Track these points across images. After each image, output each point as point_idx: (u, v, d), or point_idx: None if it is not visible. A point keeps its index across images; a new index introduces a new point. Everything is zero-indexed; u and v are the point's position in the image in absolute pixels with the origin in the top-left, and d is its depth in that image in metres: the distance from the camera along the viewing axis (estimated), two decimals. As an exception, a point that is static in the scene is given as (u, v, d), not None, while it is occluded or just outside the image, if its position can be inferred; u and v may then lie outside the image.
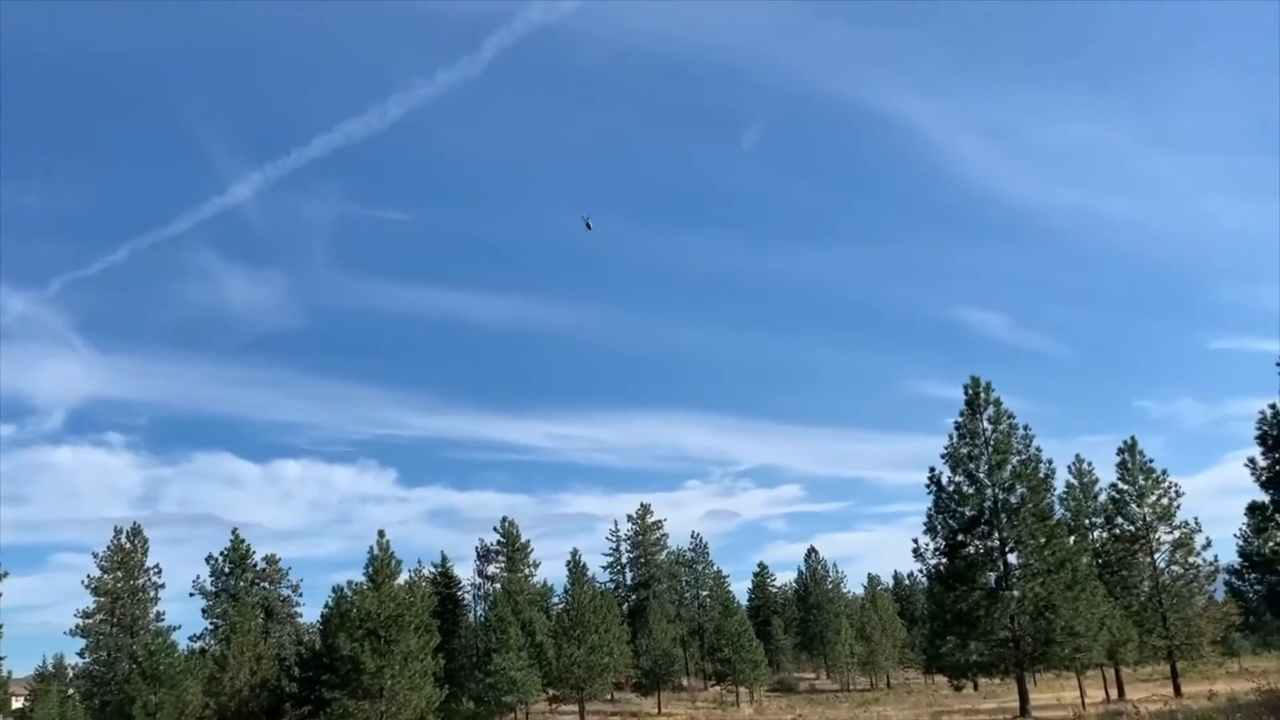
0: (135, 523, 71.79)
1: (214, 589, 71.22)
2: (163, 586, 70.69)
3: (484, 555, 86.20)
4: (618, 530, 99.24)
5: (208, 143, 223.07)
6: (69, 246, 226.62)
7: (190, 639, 68.57)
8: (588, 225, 49.79)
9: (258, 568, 73.92)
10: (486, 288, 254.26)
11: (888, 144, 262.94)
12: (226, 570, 72.00)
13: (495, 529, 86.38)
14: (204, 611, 70.41)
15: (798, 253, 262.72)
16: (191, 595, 70.89)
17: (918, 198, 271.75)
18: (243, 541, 72.98)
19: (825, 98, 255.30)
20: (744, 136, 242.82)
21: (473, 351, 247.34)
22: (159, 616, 69.45)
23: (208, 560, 72.22)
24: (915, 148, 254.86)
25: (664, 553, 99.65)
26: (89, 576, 68.01)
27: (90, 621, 67.61)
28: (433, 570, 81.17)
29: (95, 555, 68.91)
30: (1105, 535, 57.38)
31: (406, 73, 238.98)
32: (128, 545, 70.32)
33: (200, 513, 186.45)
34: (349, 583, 49.76)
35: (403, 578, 61.44)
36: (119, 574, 69.10)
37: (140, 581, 69.95)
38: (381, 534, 50.11)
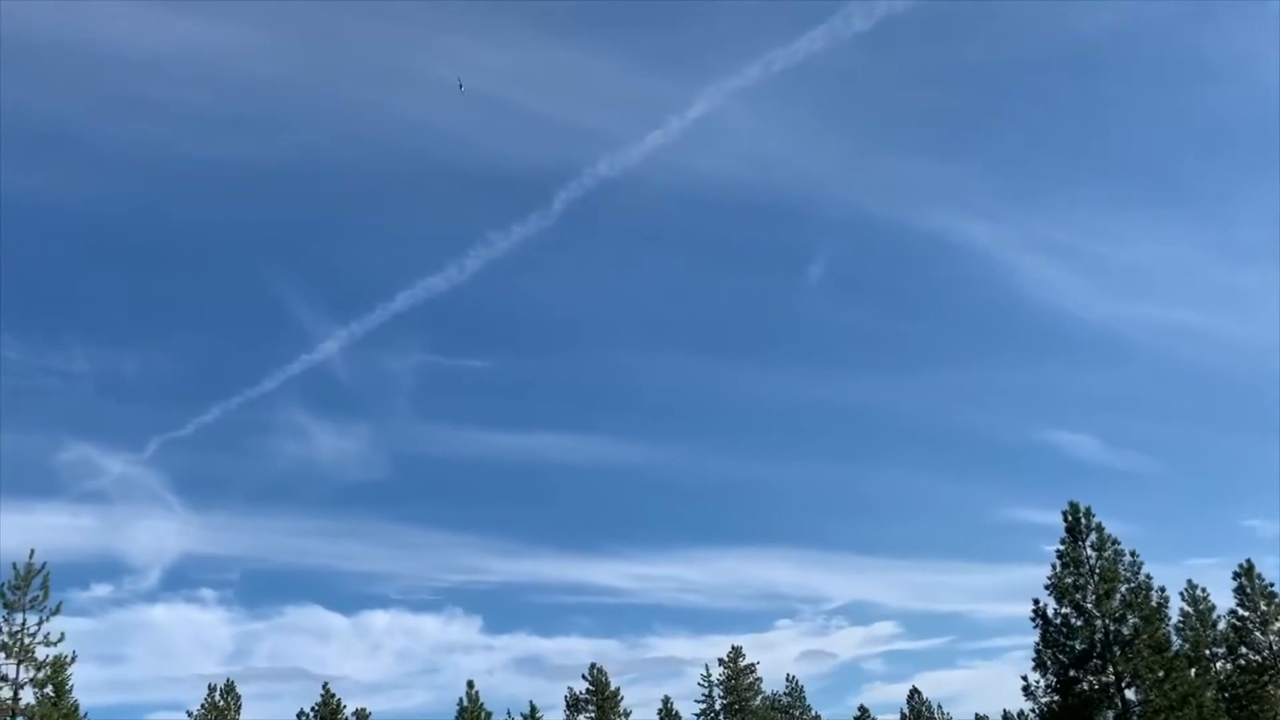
0: (229, 679, 71.96)
1: (305, 746, 70.53)
2: (255, 745, 70.34)
3: (573, 704, 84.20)
4: (709, 675, 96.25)
5: (296, 305, 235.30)
6: (164, 409, 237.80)
7: (282, 800, 67.75)
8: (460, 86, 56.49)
9: (348, 723, 73.21)
10: (564, 430, 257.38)
11: (954, 270, 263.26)
12: (317, 726, 71.43)
13: (584, 676, 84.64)
14: (295, 771, 69.60)
15: (873, 382, 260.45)
16: (283, 753, 70.34)
17: (990, 321, 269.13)
18: (333, 696, 72.59)
19: (887, 227, 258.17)
20: (810, 269, 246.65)
21: (552, 494, 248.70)
22: (251, 777, 68.87)
23: (299, 716, 71.79)
24: (983, 272, 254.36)
25: (759, 698, 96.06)
26: (183, 736, 68.08)
27: (184, 783, 67.24)
28: (522, 721, 79.37)
29: (189, 714, 69.08)
30: (1229, 666, 54.03)
31: (483, 228, 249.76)
32: (221, 703, 70.41)
33: (291, 667, 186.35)
34: (440, 737, 48.96)
35: (492, 730, 60.50)
36: (213, 732, 69.03)
37: (233, 740, 69.72)
38: (470, 685, 49.85)
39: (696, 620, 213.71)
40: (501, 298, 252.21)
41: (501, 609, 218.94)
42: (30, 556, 47.57)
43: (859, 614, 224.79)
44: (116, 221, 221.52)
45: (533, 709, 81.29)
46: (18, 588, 46.88)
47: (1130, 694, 41.07)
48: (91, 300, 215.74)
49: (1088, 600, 42.32)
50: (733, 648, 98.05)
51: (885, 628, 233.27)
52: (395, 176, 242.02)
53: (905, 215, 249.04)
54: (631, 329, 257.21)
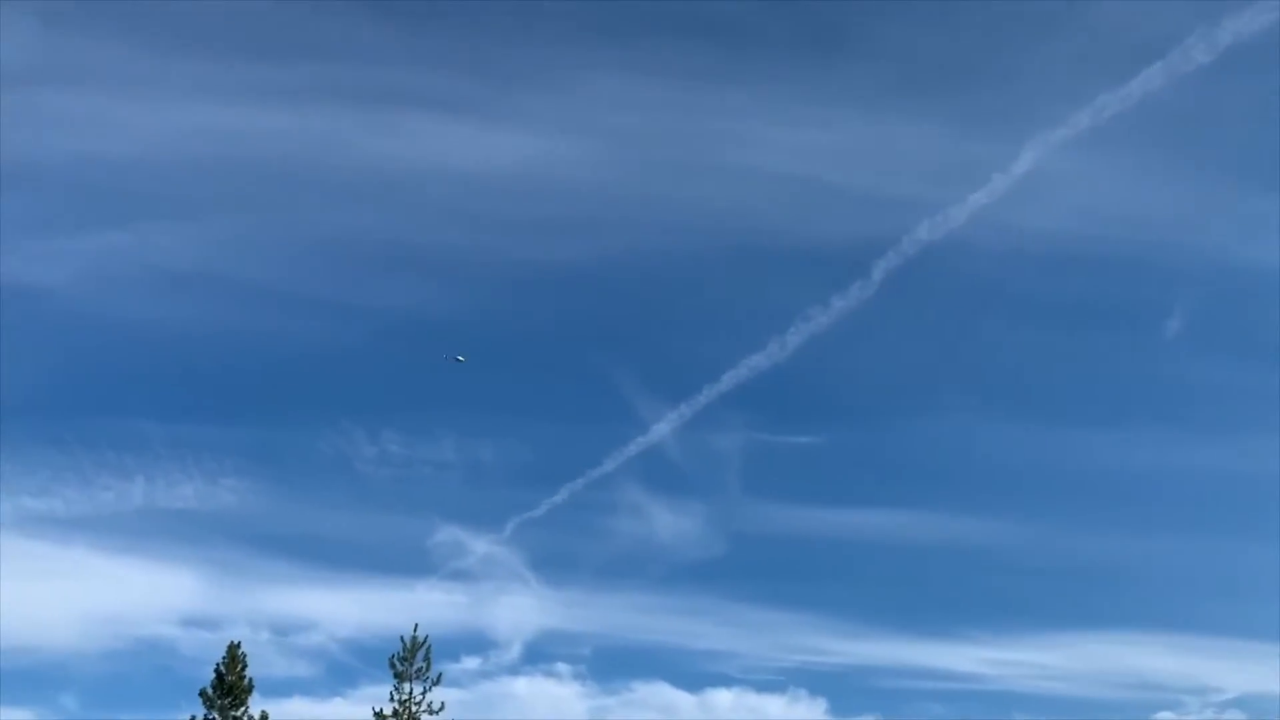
0: (586, 754, 74.59)
1: (660, 824, 71.24)
2: (613, 819, 71.78)
3: (930, 796, 79.42)
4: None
5: (630, 390, 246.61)
6: (519, 492, 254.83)
7: None
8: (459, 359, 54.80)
9: (699, 803, 73.20)
10: (898, 505, 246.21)
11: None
12: (670, 804, 71.95)
13: (940, 766, 79.72)
14: None
15: (1249, 443, 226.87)
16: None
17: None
18: (684, 775, 73.07)
19: (1257, 272, 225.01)
20: (1166, 324, 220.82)
21: (891, 572, 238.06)
22: None
23: (652, 793, 72.91)
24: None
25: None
26: (547, 807, 70.83)
27: None
28: (876, 812, 75.76)
29: (551, 785, 71.99)
30: None
31: (803, 304, 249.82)
32: (580, 776, 72.83)
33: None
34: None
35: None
36: (574, 805, 71.33)
37: (592, 814, 71.63)
38: (823, 769, 47.91)
39: (1062, 709, 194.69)
40: (824, 372, 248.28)
41: (847, 691, 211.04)
42: (414, 630, 52.20)
43: (1258, 707, 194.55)
44: (471, 326, 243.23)
45: (887, 798, 77.48)
46: (405, 659, 51.35)
47: None
48: (457, 397, 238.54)
49: None
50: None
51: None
52: (715, 262, 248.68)
53: (1277, 258, 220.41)
54: (964, 397, 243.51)
